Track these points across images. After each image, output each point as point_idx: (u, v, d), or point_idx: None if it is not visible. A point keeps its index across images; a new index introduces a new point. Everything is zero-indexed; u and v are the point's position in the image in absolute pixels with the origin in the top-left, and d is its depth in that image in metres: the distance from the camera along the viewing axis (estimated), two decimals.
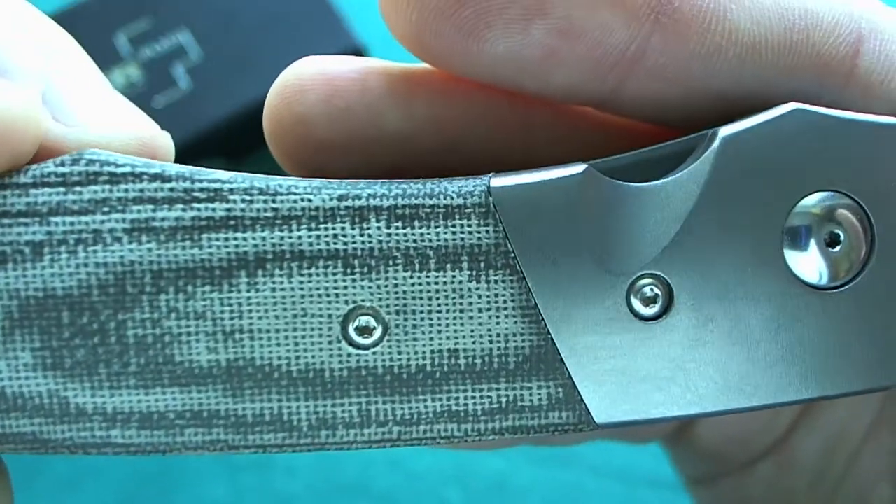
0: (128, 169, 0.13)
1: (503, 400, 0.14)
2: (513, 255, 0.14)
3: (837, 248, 0.14)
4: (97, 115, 0.14)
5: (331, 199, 0.13)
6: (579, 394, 0.14)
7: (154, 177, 0.13)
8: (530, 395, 0.14)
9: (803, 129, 0.14)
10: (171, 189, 0.13)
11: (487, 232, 0.14)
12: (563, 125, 0.17)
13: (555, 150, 0.17)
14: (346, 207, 0.13)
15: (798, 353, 0.14)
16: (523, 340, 0.14)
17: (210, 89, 0.35)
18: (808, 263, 0.14)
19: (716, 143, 0.14)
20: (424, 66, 0.16)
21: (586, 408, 0.14)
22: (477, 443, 0.14)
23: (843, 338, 0.14)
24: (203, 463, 0.33)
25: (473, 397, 0.14)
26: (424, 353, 0.14)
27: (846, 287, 0.14)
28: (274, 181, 0.13)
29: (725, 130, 0.14)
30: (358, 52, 0.36)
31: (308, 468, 0.33)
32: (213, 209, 0.13)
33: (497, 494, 0.26)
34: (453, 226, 0.14)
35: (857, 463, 0.19)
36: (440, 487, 0.32)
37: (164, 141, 0.14)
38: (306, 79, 0.15)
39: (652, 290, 0.14)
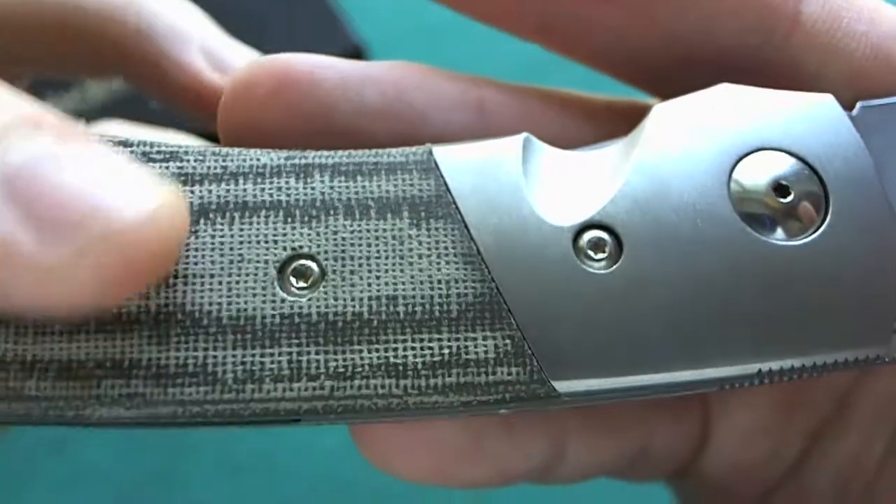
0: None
1: (445, 352, 0.13)
2: (454, 205, 0.14)
3: (788, 200, 0.14)
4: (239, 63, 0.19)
5: (278, 159, 0.14)
6: (529, 347, 0.13)
7: (118, 143, 0.14)
8: (475, 346, 0.13)
9: (733, 101, 0.14)
10: (131, 152, 0.14)
11: (429, 185, 0.14)
12: (519, 118, 0.16)
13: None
14: (293, 164, 0.14)
15: (766, 311, 0.13)
16: (465, 287, 0.13)
17: None
18: (761, 215, 0.14)
19: (650, 114, 0.14)
20: (377, 61, 0.16)
21: (538, 364, 0.13)
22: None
23: (807, 296, 0.14)
24: (203, 463, 0.33)
25: (413, 348, 0.13)
26: (362, 298, 0.13)
27: (805, 241, 0.14)
28: (228, 148, 0.14)
29: (659, 104, 0.15)
30: (358, 51, 0.37)
31: (308, 469, 0.33)
32: (167, 167, 0.14)
33: (500, 491, 0.26)
34: (395, 180, 0.14)
35: (873, 494, 0.19)
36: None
37: None
38: (256, 75, 0.15)
39: (600, 238, 0.14)
